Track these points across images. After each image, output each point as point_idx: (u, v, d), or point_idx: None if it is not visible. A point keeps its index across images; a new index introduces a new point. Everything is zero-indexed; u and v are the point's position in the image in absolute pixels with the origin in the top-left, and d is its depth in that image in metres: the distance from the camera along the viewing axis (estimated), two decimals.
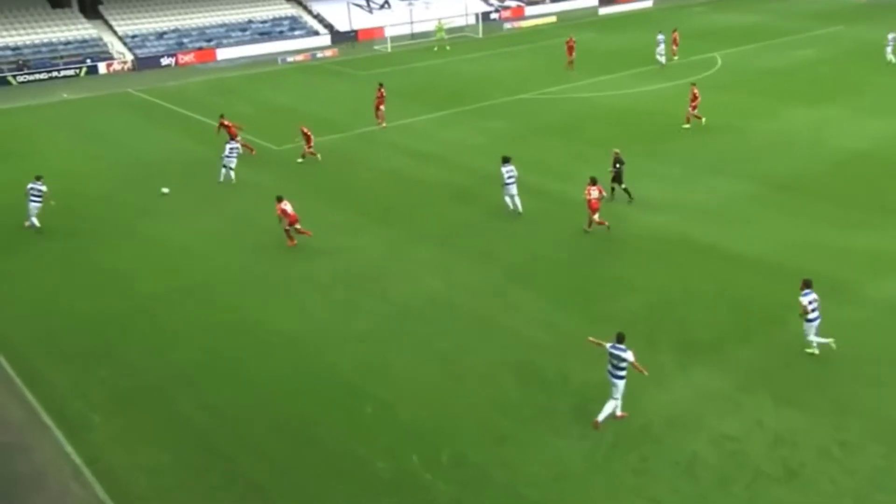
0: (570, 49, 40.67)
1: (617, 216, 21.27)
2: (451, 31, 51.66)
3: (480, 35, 52.78)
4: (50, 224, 22.25)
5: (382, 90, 31.04)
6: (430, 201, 23.08)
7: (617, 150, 22.30)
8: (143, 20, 50.01)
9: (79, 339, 16.47)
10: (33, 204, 22.13)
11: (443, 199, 23.15)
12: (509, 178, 21.32)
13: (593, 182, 20.11)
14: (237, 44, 50.09)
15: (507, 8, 61.34)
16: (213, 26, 51.18)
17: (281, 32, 52.24)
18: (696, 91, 28.98)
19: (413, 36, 52.85)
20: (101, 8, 50.07)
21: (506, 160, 21.53)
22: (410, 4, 55.89)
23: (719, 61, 40.55)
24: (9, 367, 15.55)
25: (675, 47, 41.07)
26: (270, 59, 47.91)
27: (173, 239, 21.15)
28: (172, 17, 50.91)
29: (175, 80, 42.23)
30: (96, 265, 19.71)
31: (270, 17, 53.51)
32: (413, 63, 43.72)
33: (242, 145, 27.45)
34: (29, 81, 42.92)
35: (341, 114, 33.74)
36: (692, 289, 17.50)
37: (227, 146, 25.20)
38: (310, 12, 55.82)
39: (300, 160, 27.04)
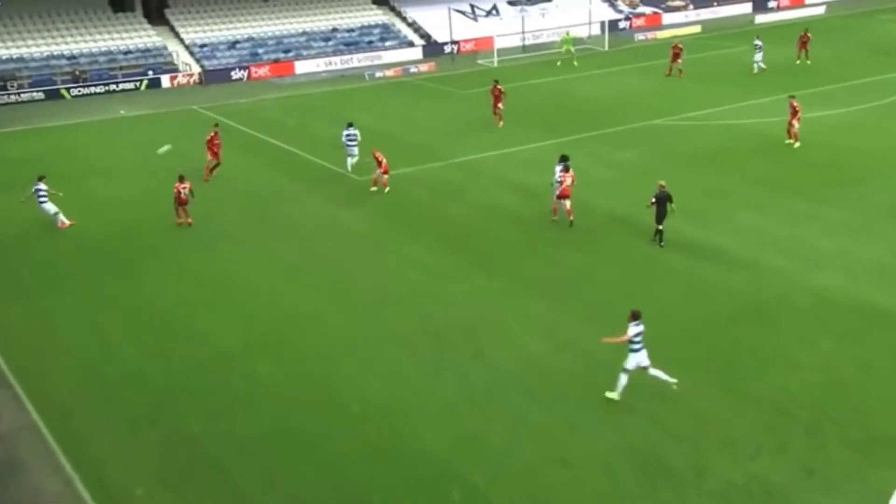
0: (676, 56, 43.45)
1: (769, 272, 21.20)
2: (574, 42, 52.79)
3: (606, 48, 53.63)
4: (99, 257, 24.01)
5: (499, 87, 35.76)
6: (538, 245, 23.60)
7: (663, 183, 23.12)
8: (214, 27, 53.39)
9: (129, 394, 17.25)
10: (45, 205, 25.60)
11: (554, 243, 23.67)
12: (556, 180, 24.79)
13: (566, 168, 24.26)
14: (319, 55, 52.79)
15: (639, 16, 62.27)
16: (291, 35, 54.21)
17: (370, 43, 54.74)
18: (795, 104, 30.69)
19: (525, 48, 54.24)
20: (167, 12, 53.92)
21: (563, 158, 25.11)
22: (523, 11, 57.49)
23: None
24: (44, 426, 16.16)
25: (803, 51, 44.74)
26: (357, 73, 50.23)
27: (239, 275, 22.47)
28: (246, 24, 54.07)
29: (247, 97, 44.83)
30: (152, 305, 20.93)
31: (358, 24, 56.21)
32: (525, 80, 44.81)
33: (208, 168, 30.44)
34: (84, 95, 46.50)
35: (439, 138, 34.93)
36: (871, 366, 17.14)
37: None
38: (404, 20, 58.27)
39: (373, 189, 28.44)
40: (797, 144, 30.65)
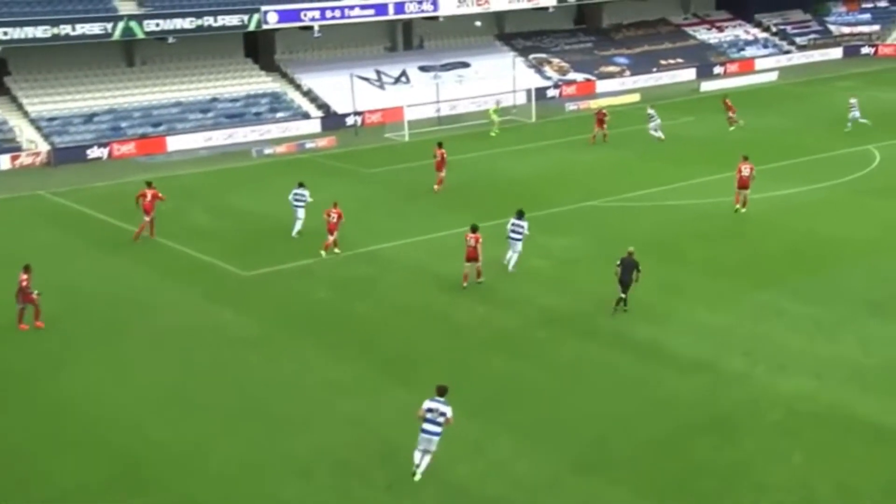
0: (601, 122, 47.85)
1: (730, 377, 21.78)
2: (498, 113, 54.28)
3: (534, 119, 55.35)
4: None
5: (442, 151, 39.35)
6: (465, 350, 23.78)
7: (631, 249, 25.79)
8: (67, 97, 53.05)
9: None
10: None
11: (484, 347, 23.87)
12: (514, 232, 28.84)
13: (473, 230, 27.67)
14: (196, 129, 52.96)
15: (570, 83, 64.72)
16: (162, 105, 54.34)
17: (258, 115, 55.30)
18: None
19: (440, 120, 55.58)
20: (7, 80, 53.25)
21: (520, 215, 29.06)
22: (437, 78, 59.15)
23: (878, 156, 42.11)
24: None
25: (731, 114, 49.40)
26: (243, 149, 50.47)
27: (95, 399, 21.81)
28: (107, 94, 53.98)
29: (108, 179, 44.50)
30: None
31: (243, 93, 56.82)
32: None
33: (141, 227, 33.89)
34: None
35: (340, 229, 35.37)
36: (849, 486, 17.53)
37: None
38: (298, 88, 59.18)
39: (322, 253, 30.44)
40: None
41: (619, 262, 25.71)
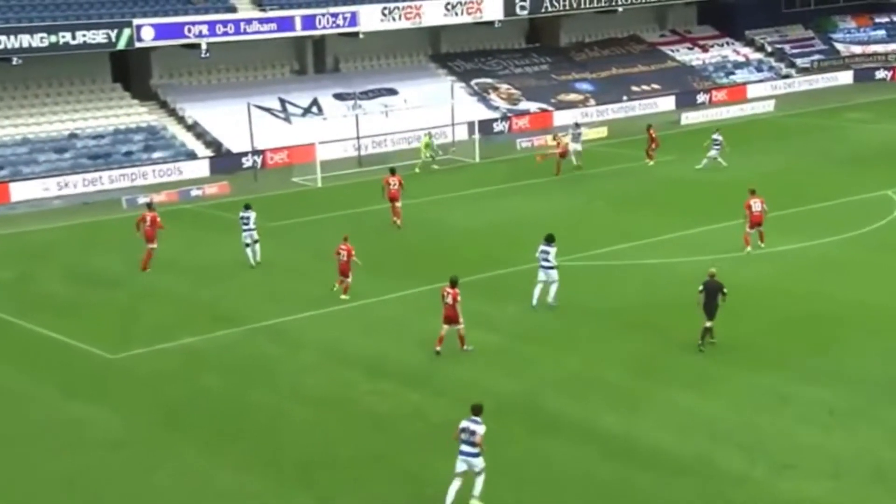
0: (562, 154, 51.62)
1: (723, 478, 21.74)
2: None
3: (478, 158, 55.68)
4: None
5: (397, 178, 41.99)
6: (399, 454, 23.53)
7: (713, 271, 29.01)
8: None
9: None
10: None
11: (424, 450, 23.64)
12: (544, 260, 32.18)
13: (452, 284, 28.57)
14: (49, 174, 52.32)
15: (521, 114, 65.40)
16: (4, 144, 53.58)
17: (129, 154, 54.90)
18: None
19: (362, 161, 55.63)
20: None
21: (548, 240, 32.25)
22: (357, 108, 59.43)
23: None
24: None
25: (653, 147, 53.03)
26: (110, 199, 49.97)
27: None
28: None
29: None
30: None
31: (110, 128, 56.42)
32: (366, 205, 45.73)
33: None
34: None
35: (238, 292, 35.29)
36: None
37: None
38: (181, 121, 58.98)
39: (342, 295, 32.85)
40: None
41: (701, 288, 27.85)
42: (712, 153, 50.98)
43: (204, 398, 26.94)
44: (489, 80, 67.91)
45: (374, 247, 39.27)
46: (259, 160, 55.78)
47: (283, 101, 60.88)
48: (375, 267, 36.61)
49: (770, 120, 64.99)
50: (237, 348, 30.26)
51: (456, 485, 20.43)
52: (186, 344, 30.43)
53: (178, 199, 49.64)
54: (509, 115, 64.80)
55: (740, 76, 74.10)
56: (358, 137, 57.06)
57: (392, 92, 63.47)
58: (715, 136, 51.53)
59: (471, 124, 58.48)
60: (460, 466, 20.52)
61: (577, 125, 55.02)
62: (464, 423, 20.64)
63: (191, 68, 61.00)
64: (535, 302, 31.92)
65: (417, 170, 51.91)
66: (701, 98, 70.18)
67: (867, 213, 41.72)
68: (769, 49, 78.15)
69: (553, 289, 32.01)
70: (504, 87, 67.62)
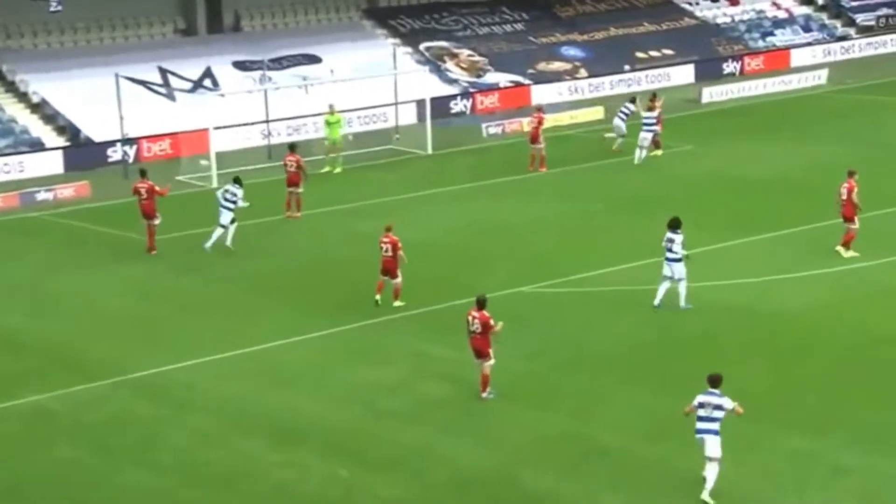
0: (536, 133, 51.82)
1: None
2: (364, 137, 54.42)
3: (430, 150, 55.93)
4: None
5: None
6: None
7: None
8: None
9: None
10: None
11: None
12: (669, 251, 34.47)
13: (479, 305, 29.00)
14: None
15: (488, 90, 65.55)
16: None
17: None
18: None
19: (272, 152, 55.58)
20: None
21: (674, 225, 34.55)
22: (265, 82, 59.45)
23: None
24: None
25: (658, 131, 52.64)
26: None
27: None
28: None
29: None
30: None
31: None
32: (274, 213, 46.03)
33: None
34: None
35: (100, 333, 35.17)
36: None
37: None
38: (21, 98, 58.79)
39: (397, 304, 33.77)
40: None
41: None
42: (644, 137, 52.03)
43: (56, 476, 26.73)
44: (445, 44, 68.10)
45: (288, 270, 39.32)
46: (132, 152, 55.63)
47: (164, 72, 61.02)
48: (291, 297, 36.62)
49: (822, 96, 65.49)
50: (102, 408, 30.04)
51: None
52: (32, 403, 30.18)
53: (19, 206, 49.42)
54: (472, 90, 65.11)
55: (781, 38, 74.69)
56: (267, 121, 57.21)
57: (313, 59, 63.74)
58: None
59: (420, 104, 58.65)
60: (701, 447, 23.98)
61: (633, 100, 55.19)
62: (700, 398, 23.93)
63: (36, 27, 60.86)
64: (657, 302, 34.66)
65: (327, 169, 52.16)
66: (729, 67, 70.77)
67: None
68: (820, 1, 78.63)
69: (682, 287, 34.30)
70: (465, 53, 67.80)
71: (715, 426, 23.62)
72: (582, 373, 30.98)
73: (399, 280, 35.30)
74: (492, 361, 28.98)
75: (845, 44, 75.06)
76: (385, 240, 35.54)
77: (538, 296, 36.50)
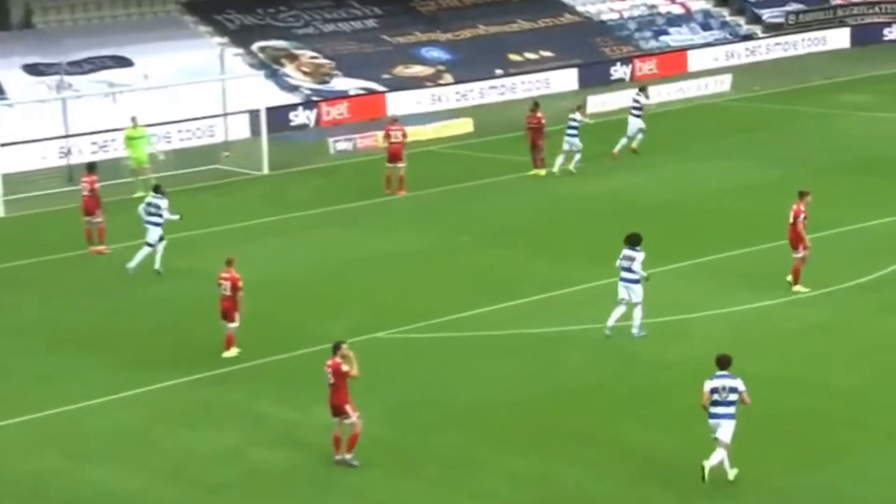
0: (396, 152, 51.65)
1: None
2: (187, 155, 54.01)
3: (266, 169, 56.02)
4: None
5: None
6: None
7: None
8: None
9: None
10: None
11: None
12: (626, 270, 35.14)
13: (335, 348, 28.95)
14: None
15: (334, 99, 65.66)
16: None
17: None
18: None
19: (73, 173, 54.92)
20: None
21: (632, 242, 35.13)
22: (63, 87, 59.25)
23: None
24: None
25: (540, 146, 53.57)
26: None
27: None
28: None
29: None
30: None
31: None
32: (77, 247, 45.61)
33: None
34: None
35: None
36: None
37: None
38: None
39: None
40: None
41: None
42: (568, 146, 53.08)
43: None
44: (282, 44, 68.32)
45: (93, 315, 38.68)
46: None
47: None
48: (96, 348, 36.04)
49: (724, 106, 66.43)
50: None
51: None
52: None
53: None
54: (316, 99, 65.09)
55: (677, 37, 75.63)
56: (67, 136, 56.58)
57: (123, 62, 63.58)
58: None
59: (254, 115, 59.01)
60: (715, 433, 26.35)
61: (642, 90, 56.16)
62: (711, 383, 26.25)
63: None
64: (609, 328, 35.57)
65: (139, 192, 51.23)
66: (618, 72, 71.38)
67: (879, 247, 42.74)
68: None
69: (638, 312, 35.32)
70: (307, 54, 67.94)
71: (731, 410, 26.03)
72: (449, 433, 30.77)
73: (235, 325, 34.99)
74: (354, 418, 28.61)
75: (750, 44, 76.21)
76: (224, 275, 35.77)
77: (397, 342, 36.47)
